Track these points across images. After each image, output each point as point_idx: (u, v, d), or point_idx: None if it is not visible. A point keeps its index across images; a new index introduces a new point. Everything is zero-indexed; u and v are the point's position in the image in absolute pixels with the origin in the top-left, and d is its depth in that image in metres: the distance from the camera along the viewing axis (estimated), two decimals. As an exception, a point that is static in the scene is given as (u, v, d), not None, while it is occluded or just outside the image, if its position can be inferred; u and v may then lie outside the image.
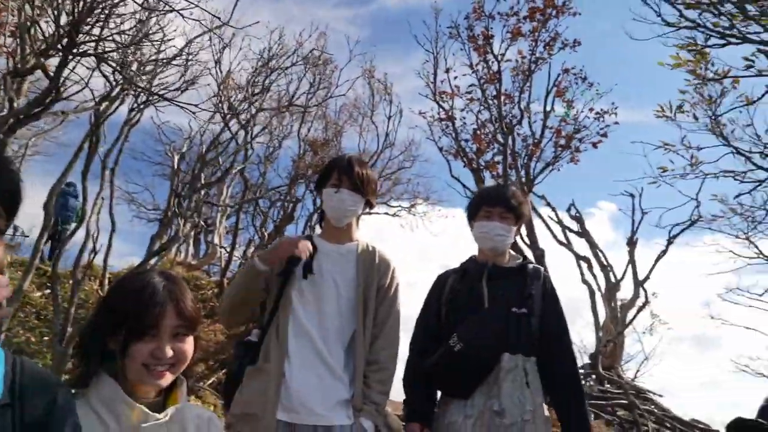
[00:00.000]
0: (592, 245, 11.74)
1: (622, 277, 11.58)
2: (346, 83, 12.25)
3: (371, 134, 12.98)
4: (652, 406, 9.53)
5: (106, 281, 7.93)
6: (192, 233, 13.77)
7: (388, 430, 5.78)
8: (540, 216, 10.91)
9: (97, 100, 4.97)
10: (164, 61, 5.26)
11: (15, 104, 4.02)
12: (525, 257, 2.88)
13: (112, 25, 4.31)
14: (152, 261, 5.64)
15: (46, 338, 6.90)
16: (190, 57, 5.57)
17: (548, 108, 9.01)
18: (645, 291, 11.13)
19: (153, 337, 1.48)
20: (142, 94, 5.40)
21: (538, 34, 8.75)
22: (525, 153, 8.94)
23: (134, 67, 5.08)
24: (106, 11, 4.15)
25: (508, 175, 8.37)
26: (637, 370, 14.09)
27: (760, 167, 6.51)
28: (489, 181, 8.91)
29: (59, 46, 3.98)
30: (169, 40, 4.93)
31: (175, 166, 9.36)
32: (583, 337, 13.82)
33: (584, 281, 11.32)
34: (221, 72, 6.81)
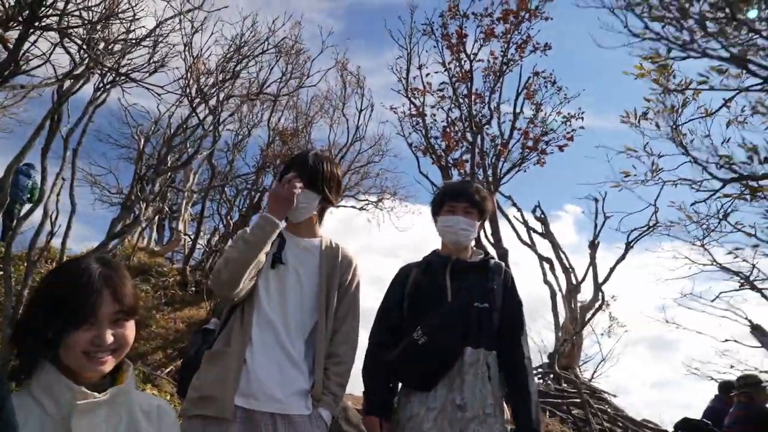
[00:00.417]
0: (555, 247, 11.98)
1: (583, 279, 11.87)
2: (318, 74, 12.10)
3: (342, 127, 12.96)
4: (606, 406, 9.79)
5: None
6: (155, 218, 13.52)
7: (346, 423, 5.76)
8: (506, 216, 11.09)
9: (60, 77, 4.83)
10: (133, 41, 5.14)
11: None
12: (487, 253, 2.92)
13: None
14: (111, 245, 5.50)
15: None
16: (160, 39, 5.44)
17: (518, 110, 9.15)
18: (603, 293, 11.41)
19: (92, 325, 1.45)
20: (108, 73, 5.26)
21: (510, 36, 8.88)
22: (493, 153, 9.06)
23: (101, 46, 4.94)
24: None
25: (475, 173, 8.47)
26: (595, 371, 14.50)
27: (716, 177, 6.74)
28: (456, 179, 9.00)
29: (20, 18, 3.86)
30: (137, 19, 4.81)
31: (141, 149, 9.17)
32: (543, 337, 14.10)
33: (546, 282, 11.55)
34: (191, 55, 6.69)
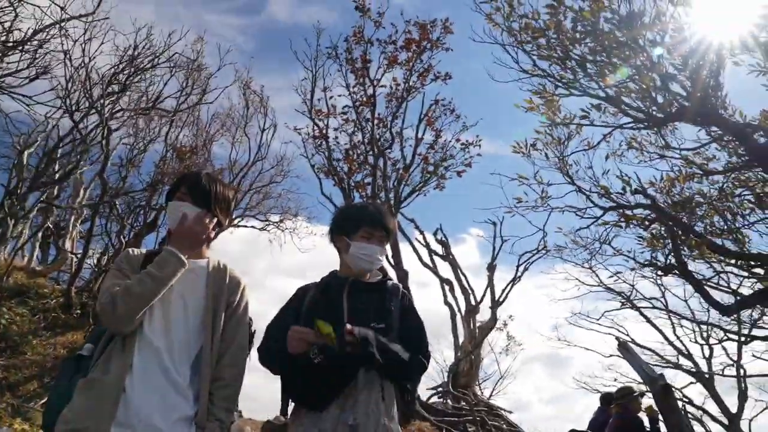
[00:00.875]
0: (456, 268, 12.34)
1: (481, 300, 12.30)
2: (218, 91, 11.80)
3: (244, 146, 12.72)
4: (502, 422, 10.13)
5: None
6: (38, 235, 12.48)
7: (238, 450, 5.44)
8: (407, 238, 11.31)
9: None
10: (13, 44, 4.75)
11: None
12: (385, 274, 2.91)
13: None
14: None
15: None
16: (43, 46, 5.08)
17: (420, 135, 9.42)
18: (496, 314, 11.87)
19: None
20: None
21: (413, 64, 9.17)
22: (395, 176, 9.24)
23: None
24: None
25: (377, 195, 8.58)
26: (494, 388, 15.01)
27: (597, 205, 7.28)
28: (363, 201, 9.06)
29: None
30: (12, 21, 4.48)
31: (24, 161, 8.44)
32: (445, 357, 14.40)
33: (446, 303, 11.85)
34: (72, 65, 6.27)
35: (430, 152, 9.50)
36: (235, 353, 2.36)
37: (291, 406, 2.58)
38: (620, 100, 5.94)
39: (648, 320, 13.14)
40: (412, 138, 9.35)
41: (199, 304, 2.31)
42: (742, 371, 12.69)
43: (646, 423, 6.73)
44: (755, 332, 11.35)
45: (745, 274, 8.37)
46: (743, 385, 12.58)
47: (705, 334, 13.38)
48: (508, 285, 12.16)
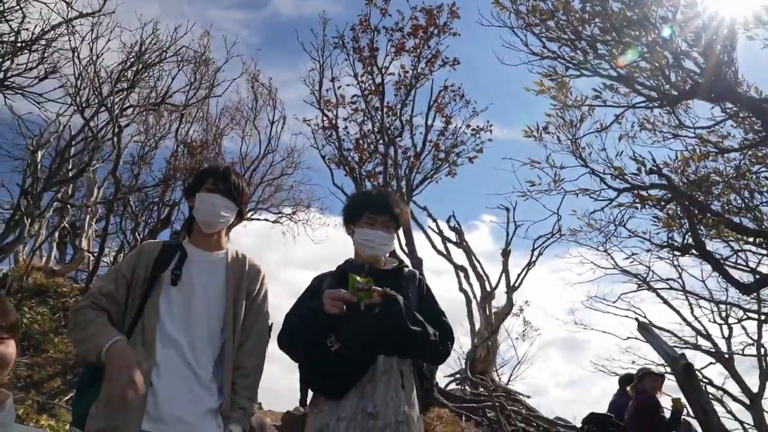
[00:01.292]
0: (470, 255, 12.32)
1: (496, 286, 12.27)
2: (227, 84, 11.78)
3: (254, 139, 12.74)
4: (521, 407, 10.13)
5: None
6: (55, 235, 12.63)
7: (263, 440, 5.47)
8: (421, 226, 11.31)
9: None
10: (21, 44, 4.77)
11: None
12: (401, 261, 2.90)
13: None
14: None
15: None
16: (52, 44, 5.10)
17: (429, 122, 9.36)
18: (512, 299, 11.84)
19: None
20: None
21: (420, 50, 9.10)
22: (406, 164, 9.21)
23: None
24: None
25: (389, 184, 8.56)
26: (511, 374, 15.02)
27: (611, 187, 7.19)
28: (372, 189, 9.00)
29: None
30: (20, 22, 4.49)
31: (38, 162, 8.51)
32: (461, 344, 14.43)
33: (462, 290, 11.84)
34: (80, 62, 6.28)
35: (440, 139, 9.48)
36: (255, 342, 2.39)
37: (310, 396, 2.59)
38: (632, 79, 5.84)
39: (665, 301, 13.03)
40: (422, 125, 9.33)
41: (220, 297, 2.34)
42: (762, 350, 12.58)
43: (665, 406, 6.69)
44: (776, 310, 11.25)
45: (764, 252, 8.26)
46: (764, 364, 12.47)
47: (724, 314, 13.26)
48: (523, 270, 12.14)
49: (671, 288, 12.82)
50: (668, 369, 11.13)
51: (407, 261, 8.17)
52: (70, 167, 7.86)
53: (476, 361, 11.21)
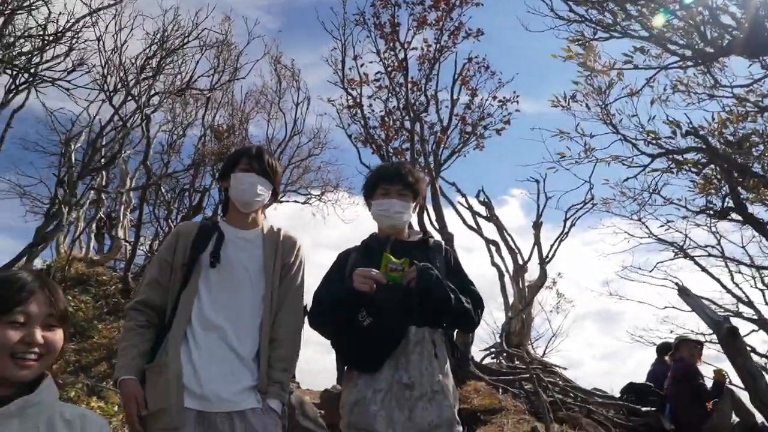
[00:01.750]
0: (501, 229, 12.21)
1: (529, 259, 12.15)
2: (249, 68, 11.82)
3: (279, 122, 12.79)
4: (557, 379, 10.08)
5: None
6: (92, 227, 12.96)
7: (303, 418, 5.65)
8: (450, 202, 11.22)
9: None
10: (50, 37, 4.84)
11: None
12: (426, 232, 2.90)
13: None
14: (37, 254, 5.22)
15: None
16: (77, 36, 5.16)
17: (455, 96, 9.23)
18: (545, 271, 11.71)
19: (22, 325, 1.45)
20: (20, 74, 4.95)
21: (443, 23, 8.94)
22: (433, 140, 9.12)
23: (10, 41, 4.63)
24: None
25: (416, 161, 8.50)
26: (546, 347, 14.95)
27: (644, 153, 7.01)
28: (389, 162, 8.96)
29: None
30: (52, 19, 4.55)
31: (71, 154, 8.70)
32: (495, 318, 14.38)
33: (493, 264, 11.76)
34: (105, 49, 6.35)
35: (467, 112, 9.34)
36: (288, 313, 2.40)
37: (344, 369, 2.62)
38: (665, 38, 5.63)
39: (703, 269, 12.68)
40: (448, 100, 9.20)
41: (259, 274, 2.36)
42: (809, 315, 12.20)
43: (706, 376, 6.58)
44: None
45: (809, 213, 7.97)
46: (810, 328, 12.11)
47: (766, 280, 12.88)
48: (555, 241, 11.98)
49: (710, 255, 12.47)
50: (707, 337, 10.93)
51: (438, 237, 8.13)
52: (102, 156, 8.03)
53: (511, 334, 11.17)
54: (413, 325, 2.44)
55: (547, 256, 11.81)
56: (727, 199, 6.92)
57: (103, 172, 10.81)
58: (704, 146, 6.30)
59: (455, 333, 2.77)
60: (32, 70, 4.68)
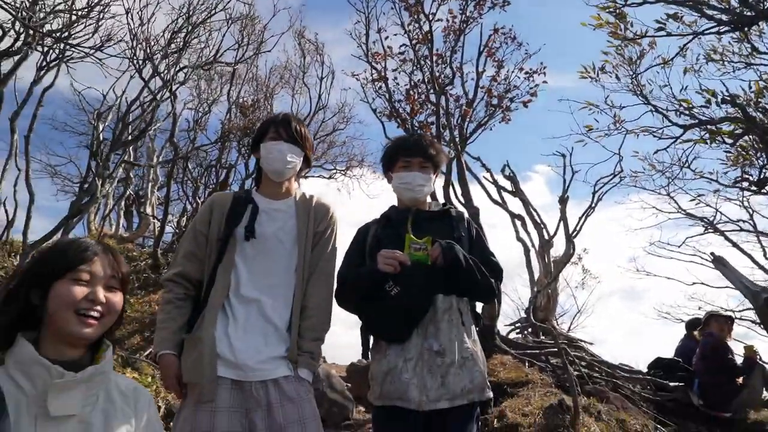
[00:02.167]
0: (526, 204, 12.07)
1: (554, 234, 12.00)
2: (274, 40, 11.77)
3: (304, 97, 12.77)
4: (583, 353, 10.04)
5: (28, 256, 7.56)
6: (121, 204, 13.21)
7: (331, 390, 5.75)
8: (475, 176, 11.10)
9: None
10: (78, 11, 4.87)
11: None
12: (447, 202, 2.89)
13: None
14: (73, 227, 5.34)
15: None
16: (105, 11, 5.19)
17: (480, 68, 9.05)
18: (573, 246, 11.57)
19: (87, 283, 1.51)
20: (51, 50, 4.99)
21: (468, -8, 8.74)
22: (458, 113, 9.00)
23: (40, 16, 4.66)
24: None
25: (441, 135, 8.41)
26: (571, 323, 14.85)
27: (676, 124, 6.81)
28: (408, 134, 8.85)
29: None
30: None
31: (99, 131, 8.84)
32: (520, 294, 14.32)
33: (519, 239, 11.66)
34: (132, 21, 6.39)
35: (492, 85, 9.16)
36: (318, 279, 2.40)
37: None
38: (701, 2, 5.42)
39: (734, 244, 12.37)
40: (473, 72, 9.02)
41: (293, 244, 2.36)
42: None
43: (737, 353, 6.48)
44: None
45: None
46: None
47: (800, 255, 12.55)
48: (582, 216, 11.81)
49: (741, 230, 12.18)
50: (738, 314, 10.70)
51: (464, 211, 8.05)
52: (131, 131, 8.17)
53: (537, 309, 11.11)
54: (440, 293, 2.44)
55: (573, 232, 11.66)
56: (764, 170, 6.70)
57: (131, 150, 10.98)
58: (741, 115, 6.09)
59: (479, 305, 2.78)
60: (62, 46, 4.72)
